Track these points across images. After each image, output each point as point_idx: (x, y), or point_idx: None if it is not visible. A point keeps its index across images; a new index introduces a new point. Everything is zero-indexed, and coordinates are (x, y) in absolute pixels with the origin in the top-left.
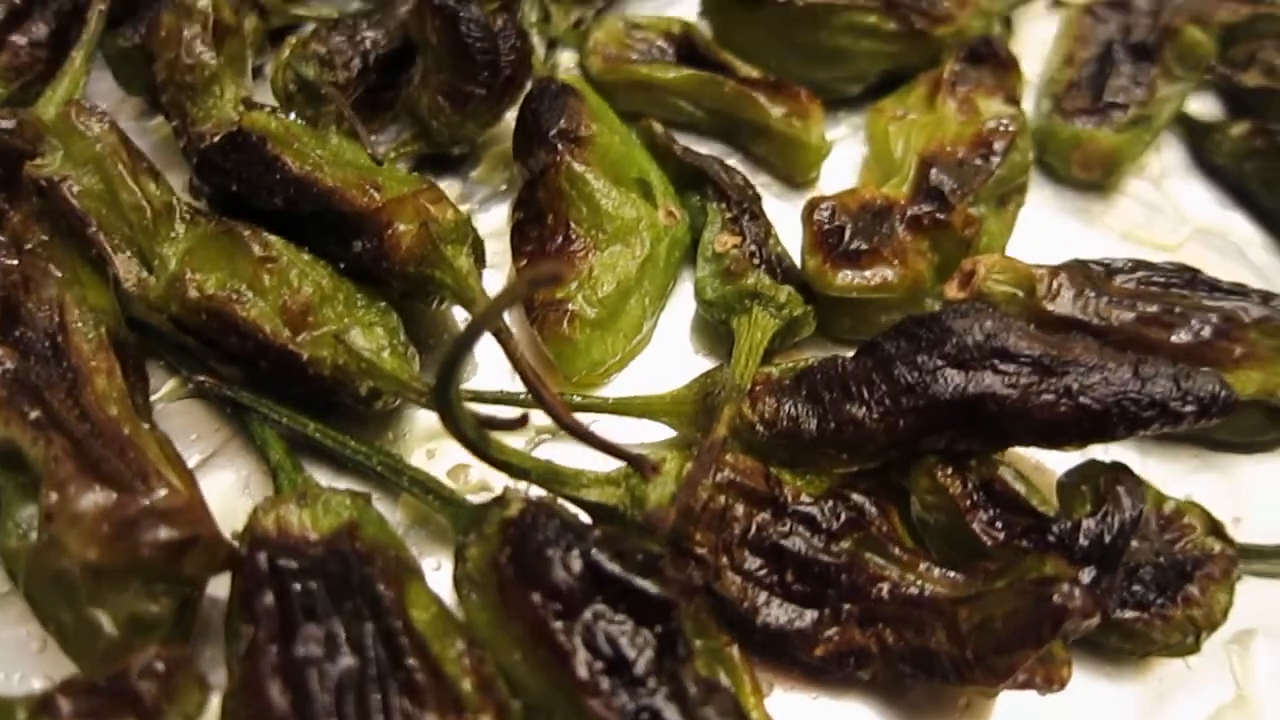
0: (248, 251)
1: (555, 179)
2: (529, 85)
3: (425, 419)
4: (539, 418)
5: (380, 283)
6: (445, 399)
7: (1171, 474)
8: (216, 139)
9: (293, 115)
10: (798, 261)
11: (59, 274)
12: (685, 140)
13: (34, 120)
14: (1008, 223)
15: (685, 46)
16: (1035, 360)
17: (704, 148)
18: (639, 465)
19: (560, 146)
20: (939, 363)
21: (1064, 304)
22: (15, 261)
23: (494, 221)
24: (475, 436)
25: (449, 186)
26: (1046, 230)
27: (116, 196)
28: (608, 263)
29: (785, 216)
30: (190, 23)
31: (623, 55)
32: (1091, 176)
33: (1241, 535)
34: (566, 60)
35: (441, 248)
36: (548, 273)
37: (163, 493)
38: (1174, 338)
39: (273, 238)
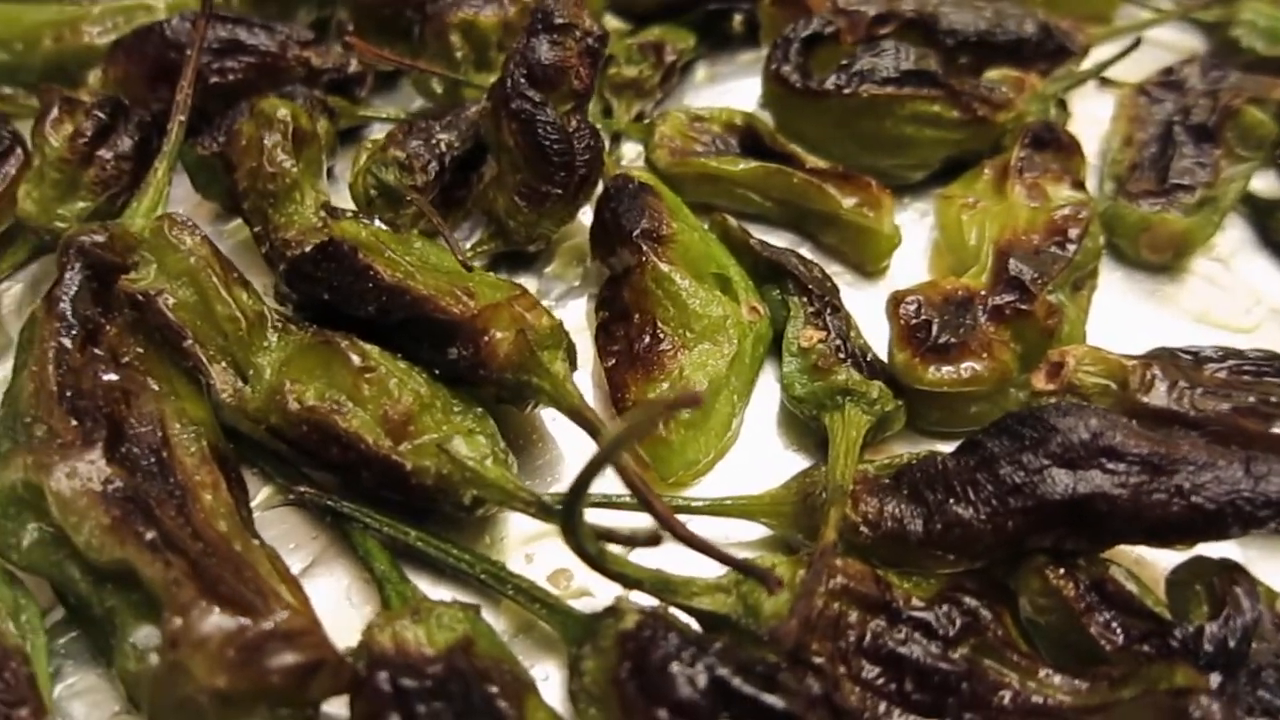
0: (346, 361)
1: (641, 279)
2: (602, 182)
3: (521, 522)
4: (617, 516)
5: (475, 387)
6: (572, 520)
7: (1275, 568)
8: (307, 249)
9: (376, 221)
10: (879, 352)
11: (157, 387)
12: (754, 230)
13: (125, 233)
14: (1083, 307)
15: (749, 137)
16: (1144, 459)
17: (773, 238)
18: (763, 578)
19: (644, 246)
20: (1045, 462)
21: (1158, 396)
22: (115, 376)
23: (573, 317)
24: (596, 552)
25: (525, 283)
26: (1119, 313)
27: (210, 308)
28: (698, 362)
29: (859, 305)
30: (270, 131)
31: (688, 148)
32: (1161, 259)
33: None
34: (629, 151)
35: (538, 354)
36: (685, 401)
37: (284, 615)
38: (1273, 429)
39: (369, 347)
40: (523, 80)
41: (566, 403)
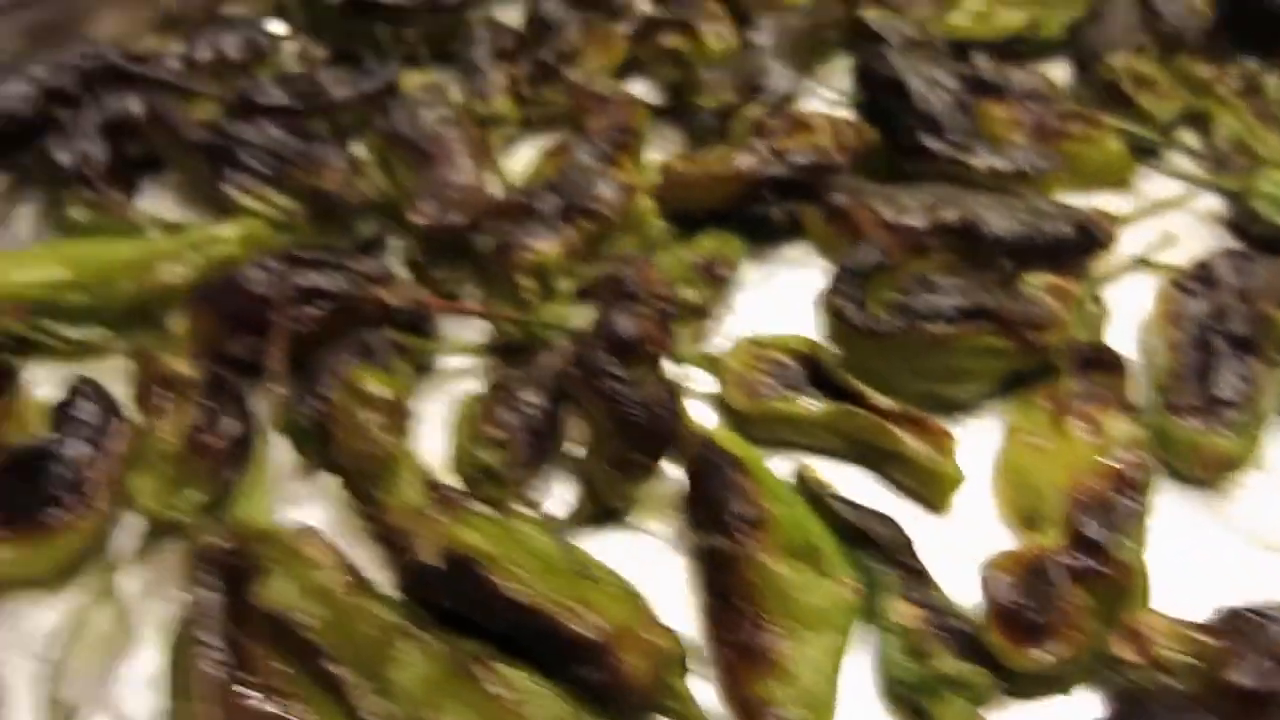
0: (483, 691)
1: (741, 568)
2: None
3: None
4: None
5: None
6: None
7: None
8: (434, 563)
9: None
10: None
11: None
12: (821, 464)
13: (250, 534)
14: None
15: (812, 367)
16: None
17: (842, 471)
18: None
19: (739, 536)
20: None
21: (1248, 675)
22: (273, 708)
23: (667, 577)
24: None
25: (615, 540)
26: (1175, 532)
27: (347, 625)
28: (809, 656)
29: (928, 535)
30: (365, 408)
31: (756, 382)
32: (1212, 477)
33: None
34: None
35: (667, 680)
36: None
37: None
38: None
39: (507, 670)
40: (605, 357)
41: None
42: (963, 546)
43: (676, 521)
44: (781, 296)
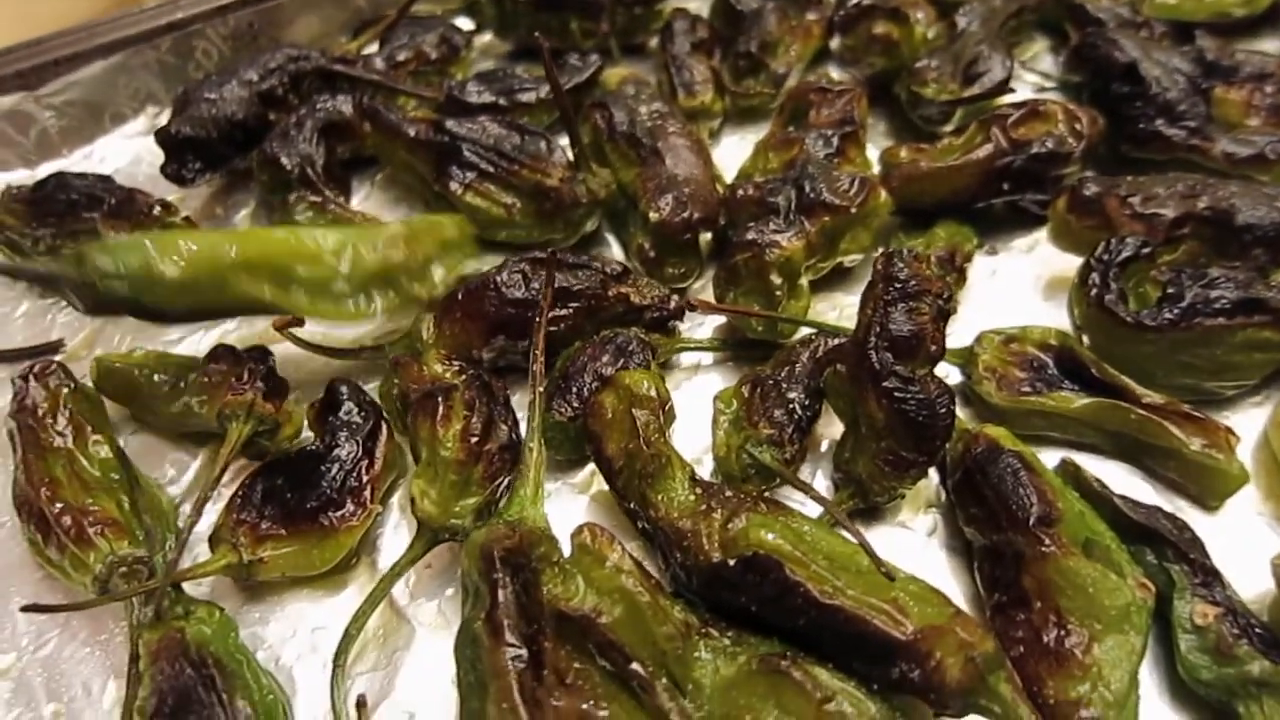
0: (802, 691)
1: (1042, 568)
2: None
3: None
4: None
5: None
6: None
7: None
8: (731, 562)
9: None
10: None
11: (607, 712)
12: (1083, 460)
13: (532, 535)
14: None
15: (1066, 360)
16: None
17: (1105, 467)
18: None
19: (1040, 534)
20: None
21: None
22: (572, 704)
23: (934, 568)
24: None
25: (878, 533)
26: None
27: (646, 626)
28: (1112, 656)
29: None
30: (640, 409)
31: (1009, 376)
32: None
33: None
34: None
35: (988, 679)
36: None
37: None
38: None
39: (819, 672)
40: (888, 356)
41: None
42: (1225, 542)
43: (935, 516)
44: (1010, 289)
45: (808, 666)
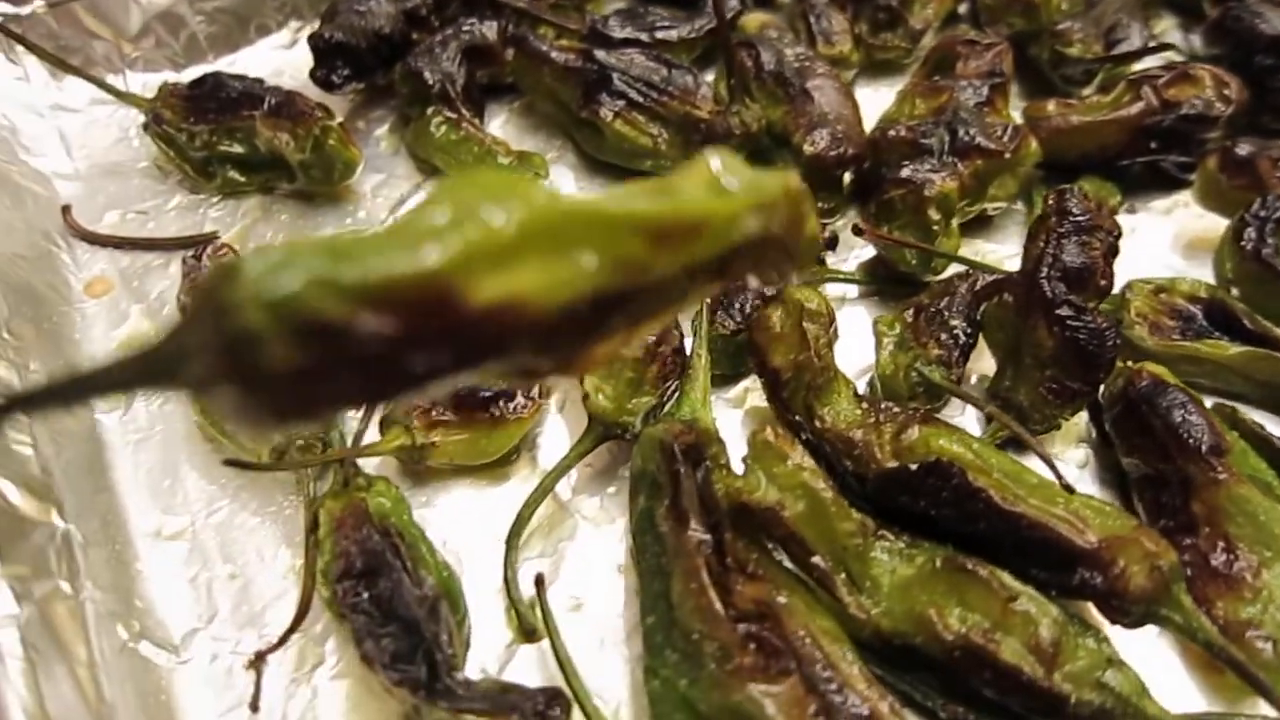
0: (989, 590)
1: (1213, 495)
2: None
3: None
4: None
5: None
6: None
7: None
8: (912, 467)
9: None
10: None
11: (787, 601)
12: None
13: (705, 432)
14: None
15: (1216, 312)
16: None
17: (1252, 417)
18: None
19: (1213, 463)
20: None
21: None
22: (755, 591)
23: None
24: None
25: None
26: None
27: (828, 522)
28: (1278, 580)
29: None
30: (813, 324)
31: (1159, 323)
32: None
33: None
34: None
35: (1172, 588)
36: None
37: None
38: None
39: (1004, 575)
40: (1061, 286)
41: (1204, 638)
42: None
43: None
44: (1150, 246)
45: (998, 571)
